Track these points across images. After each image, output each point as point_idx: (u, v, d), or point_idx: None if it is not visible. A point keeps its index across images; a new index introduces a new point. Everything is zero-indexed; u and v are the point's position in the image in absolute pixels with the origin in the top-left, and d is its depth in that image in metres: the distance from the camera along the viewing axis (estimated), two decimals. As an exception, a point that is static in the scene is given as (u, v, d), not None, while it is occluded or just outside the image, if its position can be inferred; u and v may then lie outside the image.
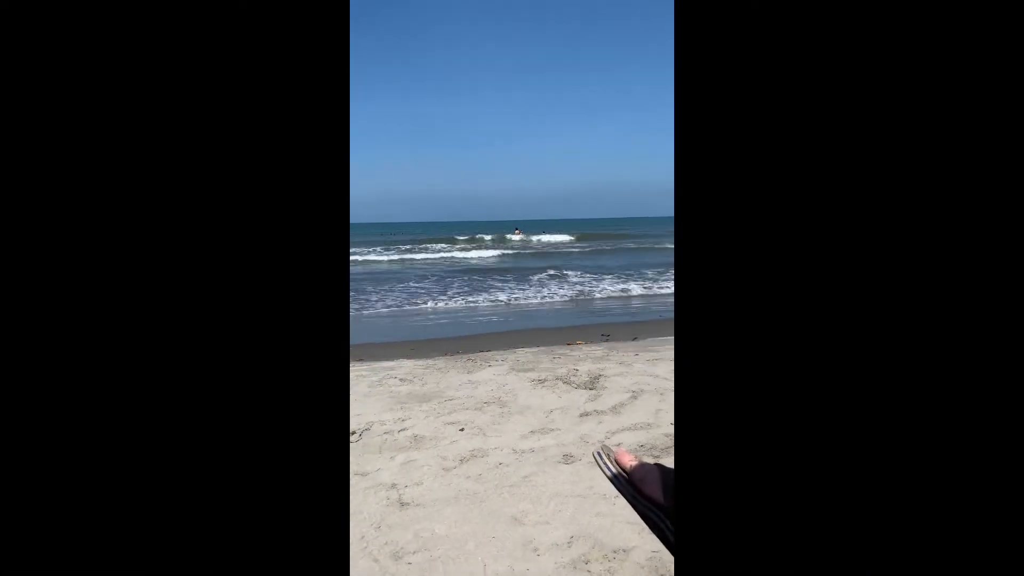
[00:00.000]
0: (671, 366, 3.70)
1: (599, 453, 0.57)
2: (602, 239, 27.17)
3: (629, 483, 0.53)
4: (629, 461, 0.55)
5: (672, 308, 7.13)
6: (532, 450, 2.42)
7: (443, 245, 23.20)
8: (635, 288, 9.15)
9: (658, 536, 0.50)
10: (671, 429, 2.59)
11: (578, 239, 27.14)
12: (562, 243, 25.25)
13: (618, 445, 2.44)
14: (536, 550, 1.70)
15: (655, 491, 0.51)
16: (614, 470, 0.55)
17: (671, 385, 3.25)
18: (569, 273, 11.56)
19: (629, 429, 2.62)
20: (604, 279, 10.49)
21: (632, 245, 21.99)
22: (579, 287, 9.49)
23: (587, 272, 11.72)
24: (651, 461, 0.54)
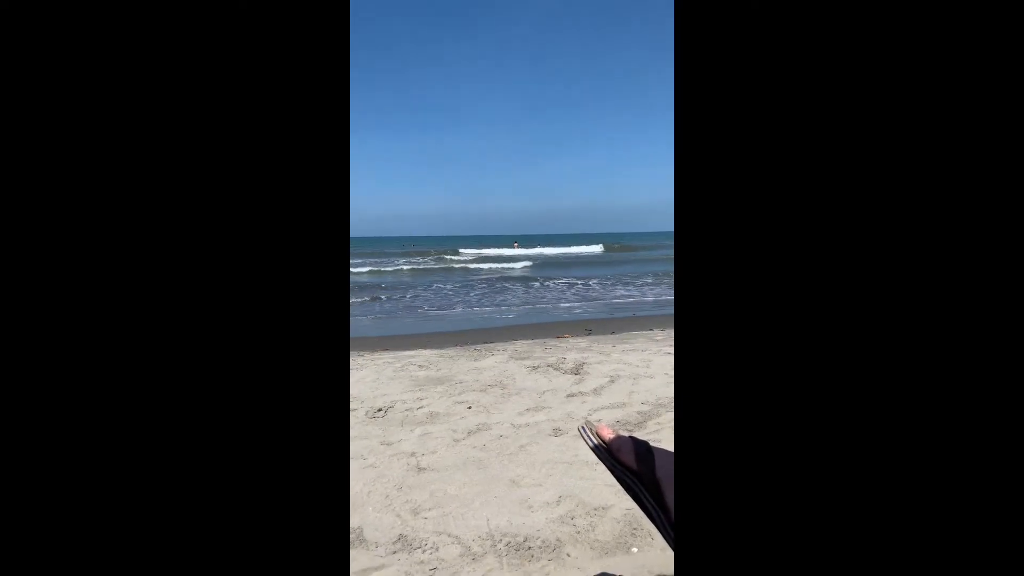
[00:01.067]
0: (642, 355, 3.66)
1: (583, 427, 0.56)
2: (596, 252, 26.53)
3: (608, 452, 0.53)
4: (608, 434, 0.54)
5: (644, 308, 7.09)
6: (527, 425, 2.40)
7: (452, 256, 22.68)
8: (616, 291, 9.11)
9: (631, 496, 0.49)
10: (642, 407, 2.56)
11: (573, 251, 26.58)
12: (559, 254, 24.58)
13: (599, 421, 2.42)
14: (530, 507, 1.68)
15: (629, 459, 0.50)
16: (595, 441, 0.54)
17: (642, 371, 3.22)
18: (562, 280, 11.48)
19: (607, 408, 2.60)
20: (591, 283, 10.46)
21: (618, 257, 21.63)
22: (570, 291, 9.44)
23: (577, 279, 11.66)
24: (626, 434, 0.54)
